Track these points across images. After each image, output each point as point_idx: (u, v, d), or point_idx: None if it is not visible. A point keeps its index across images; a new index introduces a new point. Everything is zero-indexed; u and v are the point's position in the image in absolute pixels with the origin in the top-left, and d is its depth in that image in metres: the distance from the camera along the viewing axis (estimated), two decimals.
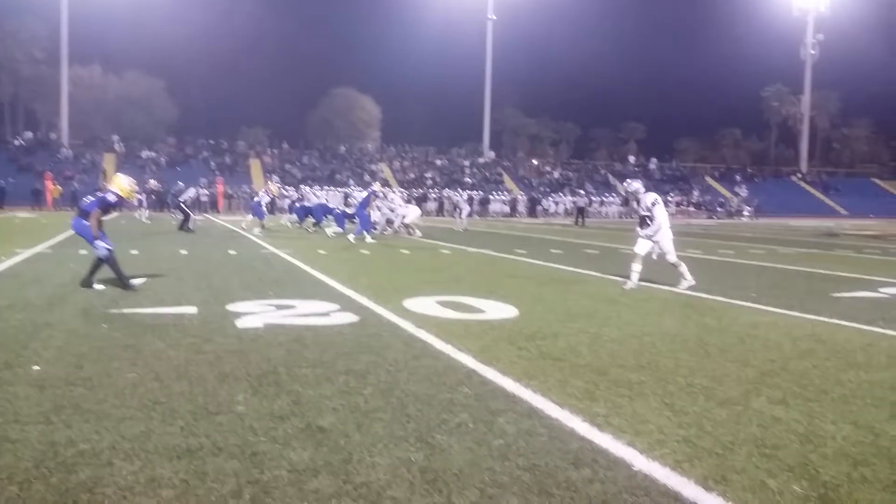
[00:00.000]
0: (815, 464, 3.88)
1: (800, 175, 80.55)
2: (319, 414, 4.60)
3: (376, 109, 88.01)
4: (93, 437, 4.12)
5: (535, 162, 77.65)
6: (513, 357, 6.28)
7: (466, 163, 71.26)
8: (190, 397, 4.93)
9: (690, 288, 10.98)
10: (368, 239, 21.19)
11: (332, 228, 24.20)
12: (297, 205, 30.06)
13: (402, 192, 33.78)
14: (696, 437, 4.28)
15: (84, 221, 10.10)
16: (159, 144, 65.58)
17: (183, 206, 26.68)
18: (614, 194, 62.19)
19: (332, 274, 12.29)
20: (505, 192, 62.84)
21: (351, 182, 57.71)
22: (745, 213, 61.15)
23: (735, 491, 3.52)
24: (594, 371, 5.83)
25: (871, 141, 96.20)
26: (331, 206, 28.06)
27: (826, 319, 8.54)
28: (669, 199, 62.92)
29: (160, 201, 43.56)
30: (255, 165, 62.92)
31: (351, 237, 21.29)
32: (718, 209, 63.05)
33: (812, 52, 78.82)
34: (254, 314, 8.17)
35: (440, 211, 53.03)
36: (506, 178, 68.40)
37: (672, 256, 11.26)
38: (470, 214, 41.03)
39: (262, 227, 25.35)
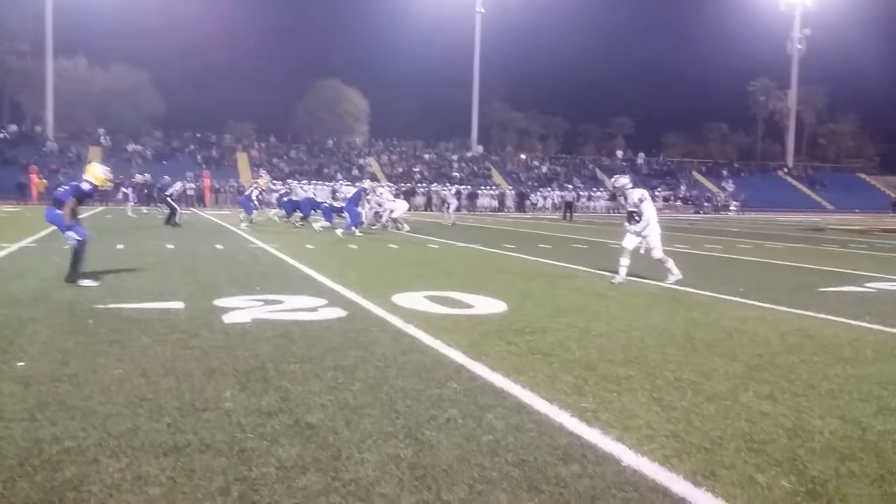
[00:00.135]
0: (803, 459, 3.89)
1: (786, 170, 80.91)
2: (308, 410, 4.57)
3: (364, 103, 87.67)
4: (78, 435, 4.09)
5: (523, 156, 77.67)
6: (501, 352, 6.27)
7: (454, 157, 71.18)
8: (177, 393, 4.90)
9: (678, 282, 11.01)
10: (356, 233, 21.19)
11: (319, 223, 24.14)
12: (285, 199, 29.94)
13: (390, 187, 33.76)
14: (684, 432, 4.29)
15: (58, 211, 9.99)
16: (146, 138, 65.17)
17: (169, 200, 26.54)
18: (602, 189, 62.26)
19: (320, 269, 12.25)
20: (493, 187, 62.81)
21: (339, 176, 57.61)
22: (732, 207, 61.42)
23: (724, 486, 3.53)
24: (583, 366, 5.83)
25: (856, 136, 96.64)
26: (318, 200, 28.00)
27: (813, 314, 8.58)
28: (657, 193, 63.18)
29: (148, 195, 43.34)
30: (242, 159, 62.65)
31: (339, 232, 21.24)
32: (705, 204, 63.28)
33: (799, 46, 79.13)
34: (241, 309, 8.13)
35: (428, 205, 52.96)
36: (494, 172, 68.40)
37: (658, 252, 11.27)
38: (458, 209, 41.04)
39: (250, 221, 25.25)
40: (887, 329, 7.70)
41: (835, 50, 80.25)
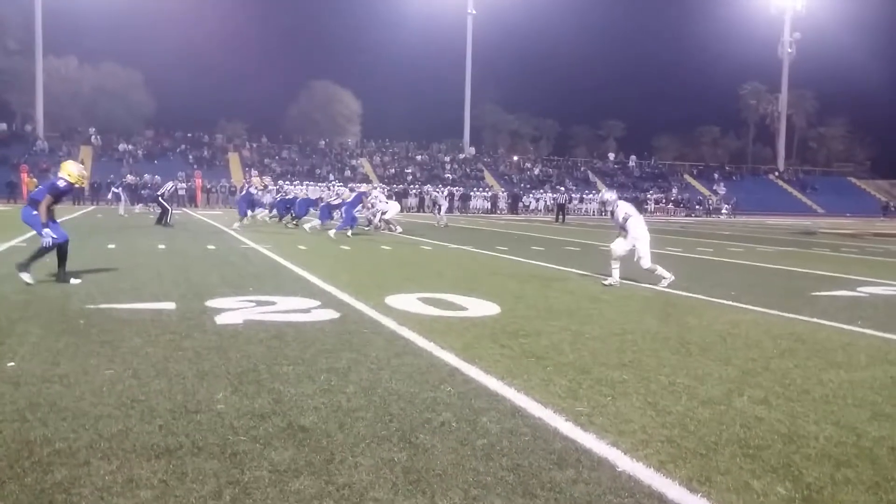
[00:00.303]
0: (799, 465, 3.87)
1: (777, 173, 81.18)
2: (301, 413, 4.54)
3: (356, 104, 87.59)
4: (69, 436, 4.05)
5: (515, 158, 77.69)
6: (495, 355, 6.25)
7: (447, 158, 71.16)
8: (169, 395, 4.86)
9: (671, 285, 11.00)
10: (348, 234, 21.16)
11: (310, 224, 24.10)
12: (277, 198, 29.87)
13: (382, 188, 33.77)
14: (679, 437, 4.27)
15: (34, 211, 9.83)
16: (137, 137, 64.90)
17: (161, 200, 26.43)
18: (594, 191, 62.34)
19: (313, 270, 12.21)
20: (486, 189, 62.81)
21: (331, 177, 57.52)
22: (724, 211, 61.55)
23: (720, 492, 3.51)
24: (577, 369, 5.82)
25: (847, 140, 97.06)
26: (313, 198, 28.03)
27: (806, 318, 8.58)
28: (649, 196, 63.32)
29: (138, 195, 43.22)
30: (233, 159, 62.50)
31: (331, 233, 21.21)
32: (697, 207, 63.43)
33: (789, 50, 79.46)
34: (233, 310, 8.09)
35: (421, 207, 52.92)
36: (486, 174, 68.40)
37: (647, 262, 11.22)
38: (450, 210, 41.03)
39: (241, 221, 25.16)
40: (880, 334, 7.71)
41: (825, 54, 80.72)
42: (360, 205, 23.27)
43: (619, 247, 11.28)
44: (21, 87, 67.95)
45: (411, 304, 8.79)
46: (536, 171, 72.23)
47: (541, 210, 58.32)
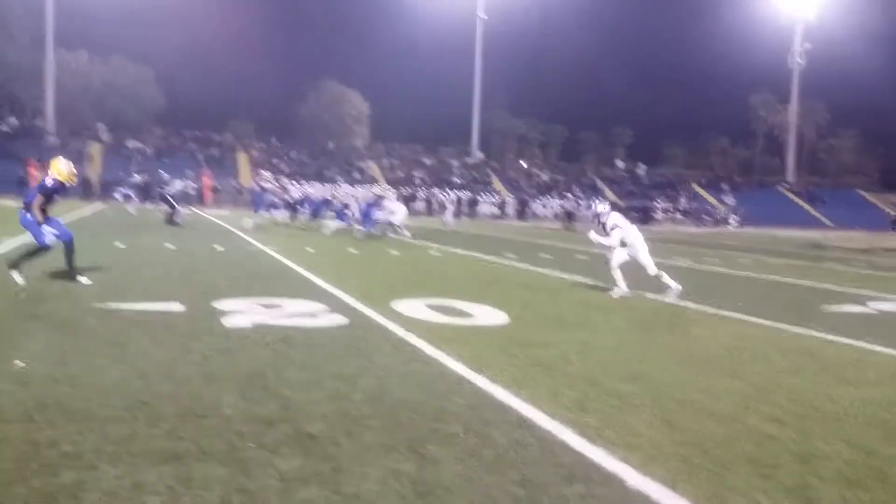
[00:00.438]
0: (812, 485, 3.83)
1: (786, 185, 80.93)
2: (308, 420, 4.52)
3: (364, 105, 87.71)
4: (77, 439, 4.03)
5: (523, 164, 77.66)
6: (503, 364, 6.21)
7: (455, 163, 71.16)
8: (176, 398, 4.84)
9: (679, 295, 10.93)
10: (357, 235, 21.42)
11: (331, 226, 24.10)
12: (291, 199, 29.70)
13: (393, 191, 33.83)
14: (690, 453, 4.23)
15: (28, 215, 9.63)
16: (146, 134, 65.06)
17: (170, 199, 26.47)
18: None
19: (320, 273, 12.19)
20: (494, 194, 62.76)
21: (339, 179, 57.56)
22: (732, 221, 61.40)
23: None
24: (585, 381, 5.78)
25: (857, 152, 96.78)
26: (330, 199, 28.15)
27: (815, 333, 8.51)
28: (657, 204, 63.20)
29: (148, 193, 43.34)
30: (242, 159, 62.61)
31: (358, 234, 22.29)
32: (705, 217, 63.27)
33: (799, 60, 79.34)
34: (241, 312, 8.07)
35: (429, 210, 52.92)
36: (494, 179, 68.35)
37: (652, 269, 11.19)
38: (457, 215, 40.98)
39: (255, 219, 25.21)
40: (890, 351, 7.63)
41: (835, 65, 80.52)
42: (380, 204, 23.87)
43: (615, 257, 11.24)
44: (31, 81, 68.12)
45: (419, 311, 8.77)
46: (545, 177, 72.17)
47: (549, 216, 58.27)
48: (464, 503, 3.44)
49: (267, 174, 28.90)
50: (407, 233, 24.65)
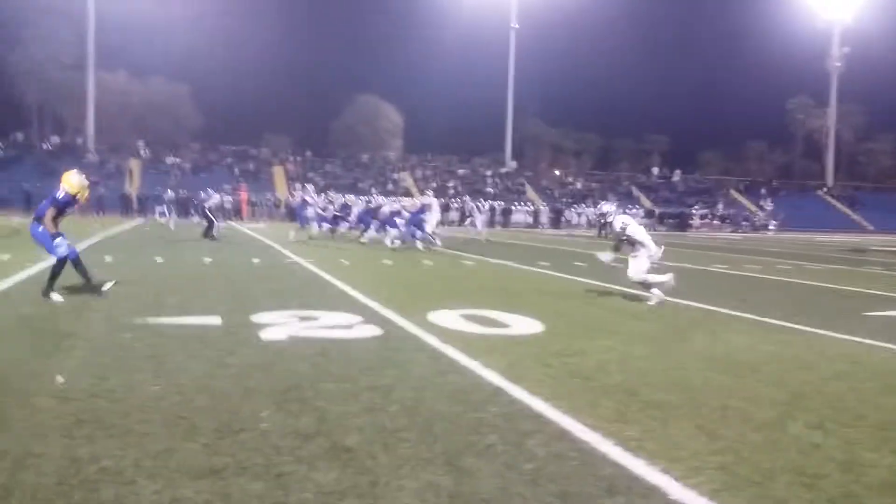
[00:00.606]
0: (859, 495, 3.73)
1: (825, 189, 79.68)
2: (345, 433, 4.50)
3: (398, 118, 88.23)
4: (116, 454, 4.06)
5: (557, 172, 77.38)
6: (540, 375, 6.16)
7: (489, 172, 71.11)
8: (213, 413, 4.85)
9: (717, 303, 10.75)
10: (389, 244, 21.51)
11: (390, 237, 23.74)
12: (339, 212, 29.47)
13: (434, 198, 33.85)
14: (733, 463, 4.15)
15: (40, 227, 9.70)
16: (183, 150, 66.00)
17: (208, 213, 26.73)
18: (637, 206, 61.80)
19: (355, 285, 12.21)
20: (528, 203, 62.59)
21: (373, 190, 57.74)
22: (771, 227, 60.56)
23: None
24: (624, 391, 5.70)
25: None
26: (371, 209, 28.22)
27: (860, 339, 8.33)
28: (694, 211, 62.59)
29: (184, 209, 43.95)
30: (278, 173, 63.16)
31: (419, 244, 22.59)
32: (743, 223, 62.44)
33: (837, 64, 78.15)
34: (277, 325, 8.10)
35: (462, 221, 52.87)
36: (528, 188, 68.17)
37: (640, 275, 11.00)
38: (490, 224, 40.84)
39: (297, 232, 25.46)
40: None
41: (874, 68, 79.11)
42: (428, 212, 24.12)
43: (636, 269, 11.01)
44: (73, 100, 69.57)
45: (454, 321, 8.73)
46: (579, 186, 71.83)
47: (583, 225, 57.90)
48: None
49: (309, 187, 28.98)
50: (438, 242, 24.35)
